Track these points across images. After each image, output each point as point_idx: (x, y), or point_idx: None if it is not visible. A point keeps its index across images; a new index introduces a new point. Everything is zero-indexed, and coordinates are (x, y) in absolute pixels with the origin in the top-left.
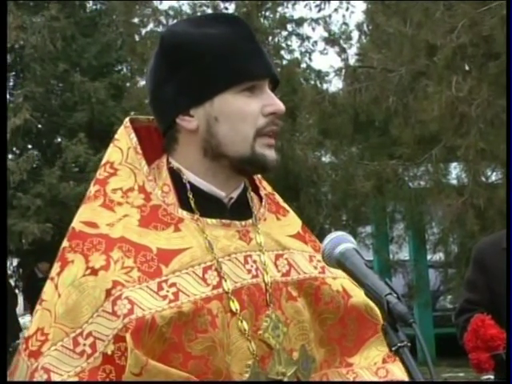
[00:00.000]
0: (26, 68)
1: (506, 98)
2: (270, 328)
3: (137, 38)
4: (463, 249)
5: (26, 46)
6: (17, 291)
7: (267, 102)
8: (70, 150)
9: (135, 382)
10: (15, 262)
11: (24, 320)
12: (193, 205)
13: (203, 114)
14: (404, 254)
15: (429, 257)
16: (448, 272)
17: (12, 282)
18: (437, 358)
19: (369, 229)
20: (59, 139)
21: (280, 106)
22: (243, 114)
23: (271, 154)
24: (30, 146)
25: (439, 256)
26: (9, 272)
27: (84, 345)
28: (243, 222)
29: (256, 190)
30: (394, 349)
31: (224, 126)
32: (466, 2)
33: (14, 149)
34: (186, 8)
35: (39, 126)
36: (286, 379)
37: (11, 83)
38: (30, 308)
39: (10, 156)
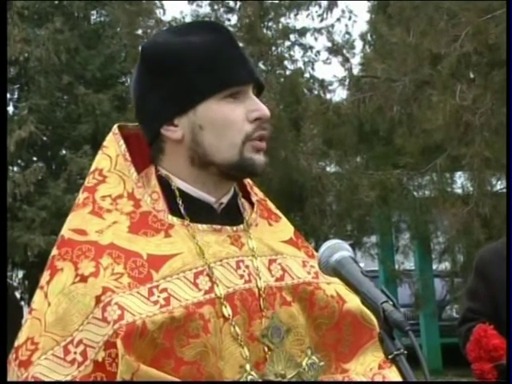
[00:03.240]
0: (30, 80)
1: (506, 107)
2: (270, 329)
3: None
4: (469, 258)
5: (30, 58)
6: (22, 303)
7: (251, 108)
8: (74, 163)
9: (137, 382)
10: (21, 274)
11: None
12: (182, 211)
13: (187, 123)
14: (409, 264)
15: (434, 266)
16: (454, 281)
17: (18, 294)
18: (443, 368)
19: (374, 239)
20: (64, 151)
21: (264, 110)
22: (228, 120)
23: (259, 158)
24: (35, 159)
25: (445, 265)
26: (14, 284)
27: (75, 353)
28: (234, 228)
29: (247, 195)
30: (390, 357)
31: (209, 133)
32: (469, 10)
33: (20, 161)
34: (189, 19)
35: (44, 138)
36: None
37: (16, 96)
38: None
39: (15, 168)
